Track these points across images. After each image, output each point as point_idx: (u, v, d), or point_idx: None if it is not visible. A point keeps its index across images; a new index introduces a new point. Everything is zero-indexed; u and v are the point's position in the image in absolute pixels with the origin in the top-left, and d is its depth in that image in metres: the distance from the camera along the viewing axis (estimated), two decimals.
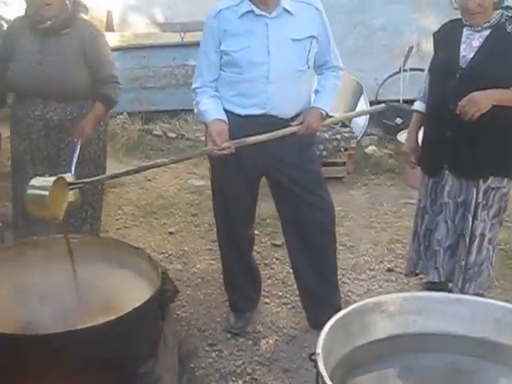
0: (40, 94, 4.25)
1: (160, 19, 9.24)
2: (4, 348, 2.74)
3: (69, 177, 3.47)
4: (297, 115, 3.89)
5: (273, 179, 4.09)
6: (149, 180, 7.08)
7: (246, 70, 3.76)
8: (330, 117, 4.22)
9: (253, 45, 3.73)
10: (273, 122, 3.80)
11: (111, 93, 4.34)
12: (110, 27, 9.28)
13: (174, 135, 8.09)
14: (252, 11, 3.70)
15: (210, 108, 3.82)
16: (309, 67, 3.87)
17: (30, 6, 4.19)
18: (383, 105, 4.57)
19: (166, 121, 8.42)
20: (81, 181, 3.49)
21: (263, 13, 3.71)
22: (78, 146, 4.12)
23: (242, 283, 4.36)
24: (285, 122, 3.84)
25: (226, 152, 3.63)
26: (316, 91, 4.03)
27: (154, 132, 8.16)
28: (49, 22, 4.16)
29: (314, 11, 3.83)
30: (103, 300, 3.22)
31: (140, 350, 3.06)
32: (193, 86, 3.94)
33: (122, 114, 8.33)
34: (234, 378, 3.86)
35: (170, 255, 5.39)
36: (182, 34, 8.70)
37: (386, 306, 2.68)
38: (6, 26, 6.94)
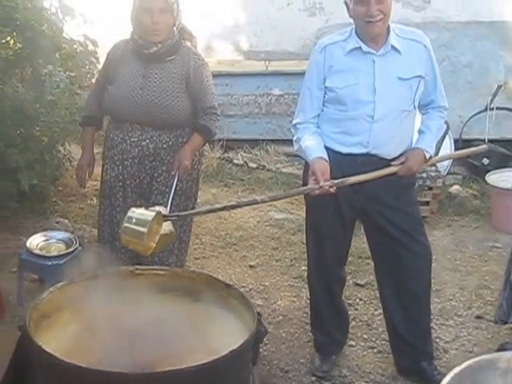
0: (138, 119, 4.13)
1: (245, 47, 9.13)
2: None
3: (163, 210, 3.35)
4: (399, 155, 3.70)
5: (369, 220, 3.90)
6: (228, 211, 6.93)
7: (350, 108, 3.62)
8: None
9: (359, 82, 3.60)
10: (373, 162, 3.65)
11: (211, 125, 4.19)
12: None
13: (254, 165, 7.93)
14: (360, 48, 3.59)
15: (313, 145, 3.67)
16: (414, 107, 3.73)
17: (138, 29, 4.06)
18: (485, 146, 4.36)
19: (247, 150, 8.25)
20: (176, 214, 3.34)
21: (371, 50, 3.58)
22: (176, 179, 3.99)
23: (330, 326, 4.18)
24: (385, 163, 3.68)
25: (326, 192, 3.44)
26: (420, 131, 3.86)
27: (235, 161, 8.01)
28: (155, 48, 4.04)
29: (422, 49, 3.68)
30: (192, 339, 3.02)
31: None
32: (294, 122, 3.82)
33: None
34: None
35: (250, 289, 5.20)
36: (267, 62, 8.59)
37: (499, 363, 2.48)
38: (90, 46, 6.98)
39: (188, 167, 4.05)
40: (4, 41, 6.01)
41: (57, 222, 5.95)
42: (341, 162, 3.62)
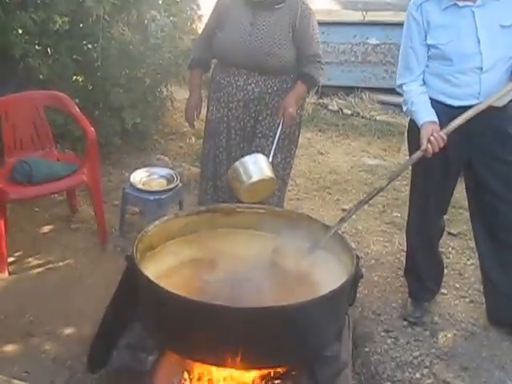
0: (245, 64, 4.02)
1: None
2: (203, 315, 2.53)
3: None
4: (509, 102, 3.50)
5: (472, 171, 3.70)
6: (321, 154, 6.85)
7: (457, 62, 3.40)
8: None
9: (462, 36, 3.38)
10: (484, 111, 3.40)
11: (314, 73, 4.02)
12: None
13: (349, 112, 7.79)
14: (455, 4, 3.37)
15: (421, 109, 3.49)
16: None
17: None
18: None
19: (342, 97, 8.11)
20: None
21: (468, 3, 3.35)
22: (281, 126, 3.87)
23: (425, 273, 4.03)
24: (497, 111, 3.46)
25: (440, 146, 3.31)
26: None
27: (330, 107, 7.90)
28: None
29: None
30: (292, 278, 2.95)
31: (328, 332, 2.78)
32: (399, 82, 3.63)
33: None
34: (410, 370, 3.52)
35: (343, 232, 4.99)
36: (364, 12, 8.37)
37: None
38: None
39: (293, 115, 3.91)
40: None
41: (158, 159, 5.94)
42: (453, 115, 3.40)
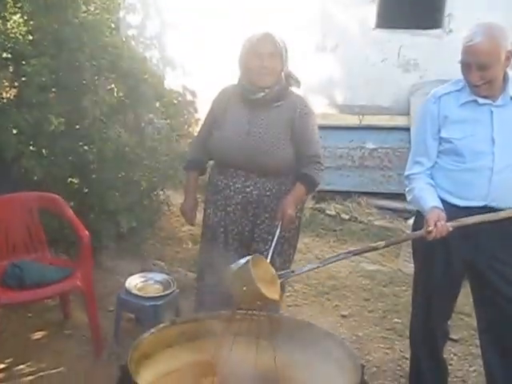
0: (242, 165, 3.98)
1: (339, 101, 9.08)
2: None
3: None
4: None
5: (477, 274, 3.67)
6: (319, 259, 6.79)
7: (468, 160, 3.43)
8: None
9: (477, 133, 3.42)
10: None
11: (314, 174, 3.96)
12: None
13: (346, 217, 7.80)
14: (475, 100, 3.41)
15: (427, 195, 3.50)
16: None
17: (246, 74, 3.96)
18: None
19: (339, 201, 8.14)
20: (288, 271, 3.23)
21: (488, 101, 3.40)
22: (279, 228, 3.77)
23: (430, 380, 3.94)
24: None
25: (442, 234, 3.27)
26: None
27: (327, 212, 7.91)
28: (262, 94, 3.90)
29: None
30: None
31: None
32: (407, 173, 3.66)
33: None
34: None
35: (343, 339, 4.99)
36: (360, 116, 8.50)
37: None
38: (189, 96, 7.01)
39: (292, 217, 3.85)
40: (109, 87, 6.03)
41: (154, 264, 5.92)
42: (457, 216, 3.38)
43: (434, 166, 3.58)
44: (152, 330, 3.11)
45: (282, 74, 3.94)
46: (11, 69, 5.90)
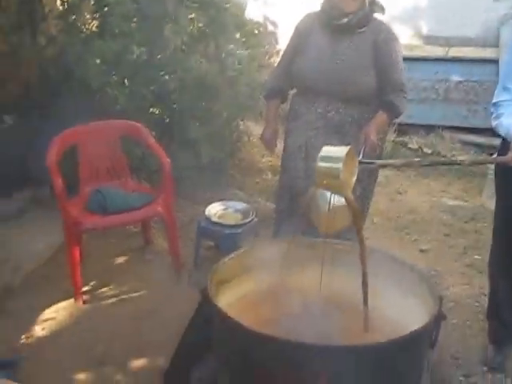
0: (325, 91, 4.00)
1: (424, 31, 8.92)
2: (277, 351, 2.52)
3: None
4: None
5: None
6: (399, 193, 6.83)
7: None
8: None
9: None
10: None
11: (398, 102, 3.97)
12: None
13: (429, 151, 7.71)
14: None
15: None
16: None
17: (327, 1, 3.98)
18: None
19: (422, 135, 8.06)
20: (370, 161, 3.22)
21: None
22: (361, 154, 3.69)
23: (509, 316, 3.93)
24: None
25: None
26: None
27: (409, 145, 7.84)
28: (345, 19, 3.90)
29: None
30: (372, 317, 2.93)
31: (405, 379, 2.74)
32: (495, 100, 3.56)
33: None
34: None
35: (420, 270, 5.03)
36: (446, 48, 8.34)
37: None
38: (270, 27, 7.02)
39: (375, 143, 3.87)
40: (190, 17, 6.08)
41: (233, 194, 6.00)
42: None
43: None
44: (232, 255, 3.19)
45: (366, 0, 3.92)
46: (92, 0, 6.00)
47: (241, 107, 6.44)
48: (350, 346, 2.53)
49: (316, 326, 2.79)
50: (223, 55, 6.37)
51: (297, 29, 4.22)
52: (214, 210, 4.91)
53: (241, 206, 5.06)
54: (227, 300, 2.95)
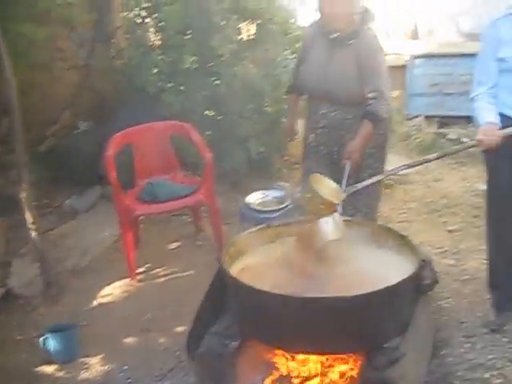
0: (325, 96, 4.41)
1: (466, 29, 9.14)
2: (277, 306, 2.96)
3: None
4: None
5: None
6: (436, 180, 7.10)
7: None
8: None
9: None
10: None
11: (377, 109, 4.23)
12: (415, 36, 9.44)
13: (467, 140, 7.92)
14: None
15: (484, 112, 3.76)
16: None
17: (322, 17, 4.35)
18: None
19: (462, 126, 8.28)
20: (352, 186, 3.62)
21: None
22: (347, 170, 4.07)
23: (505, 284, 4.23)
24: None
25: (493, 142, 3.56)
26: None
27: (448, 136, 8.06)
28: (336, 34, 4.28)
29: None
30: (359, 275, 3.29)
31: (388, 326, 3.11)
32: (472, 95, 3.90)
33: (418, 117, 8.46)
34: (481, 371, 3.77)
35: (445, 251, 5.37)
36: None
37: None
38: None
39: (358, 161, 4.18)
40: (237, 27, 6.58)
41: (279, 186, 6.37)
42: None
43: (496, 85, 3.80)
44: (250, 230, 3.66)
45: (355, 16, 4.26)
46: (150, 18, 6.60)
47: (286, 106, 6.84)
48: (329, 298, 2.97)
49: (314, 284, 3.19)
50: (269, 60, 6.81)
51: (303, 38, 4.71)
52: (255, 197, 5.35)
53: (279, 193, 5.46)
54: (240, 266, 3.40)
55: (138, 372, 3.93)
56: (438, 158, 3.68)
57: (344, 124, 4.43)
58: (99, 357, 4.12)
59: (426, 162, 3.75)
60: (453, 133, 8.19)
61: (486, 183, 4.15)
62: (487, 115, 3.74)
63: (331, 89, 4.34)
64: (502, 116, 3.75)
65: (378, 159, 4.54)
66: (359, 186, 3.69)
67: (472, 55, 8.41)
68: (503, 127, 3.64)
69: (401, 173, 6.02)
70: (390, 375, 2.96)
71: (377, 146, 4.48)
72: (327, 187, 3.48)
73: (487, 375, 3.74)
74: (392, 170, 3.74)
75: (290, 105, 4.92)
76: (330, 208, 3.38)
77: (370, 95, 4.23)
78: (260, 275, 3.30)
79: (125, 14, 6.93)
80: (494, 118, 3.71)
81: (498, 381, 3.69)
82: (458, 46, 8.90)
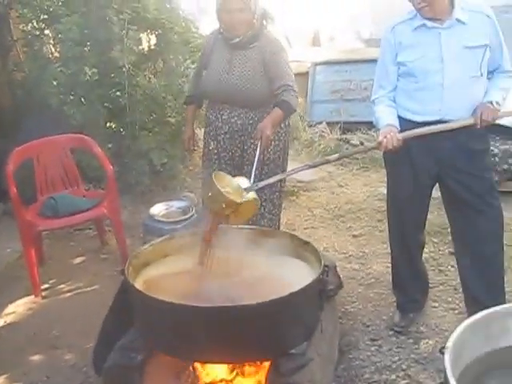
0: (226, 100, 4.51)
1: (366, 35, 9.33)
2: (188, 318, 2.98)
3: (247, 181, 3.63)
4: None
5: (444, 186, 4.02)
6: (340, 186, 7.20)
7: (421, 79, 3.74)
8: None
9: (427, 54, 3.71)
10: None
11: (290, 99, 4.35)
12: (316, 43, 9.57)
13: (371, 145, 8.07)
14: (425, 24, 3.71)
15: (384, 115, 3.83)
16: (482, 74, 3.77)
17: (221, 25, 4.45)
18: None
19: (364, 132, 8.43)
20: (254, 184, 3.62)
21: (436, 25, 3.69)
22: (259, 148, 4.16)
23: (409, 286, 4.35)
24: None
25: (393, 144, 3.62)
26: (487, 90, 3.86)
27: (352, 142, 8.18)
28: (237, 39, 4.39)
29: (485, 19, 3.74)
30: (264, 283, 3.35)
31: (294, 332, 3.15)
32: (372, 98, 3.99)
33: (321, 123, 8.55)
34: (387, 372, 3.84)
35: (350, 256, 5.45)
36: None
37: None
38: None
39: (269, 137, 4.23)
40: (137, 38, 6.52)
41: (184, 196, 6.37)
42: None
43: (395, 89, 3.90)
44: (152, 242, 3.67)
45: (254, 21, 4.37)
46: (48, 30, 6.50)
47: None
48: (233, 306, 3.00)
49: (223, 292, 3.20)
50: (170, 70, 6.80)
51: (203, 44, 4.77)
52: (159, 209, 5.34)
53: (183, 204, 5.48)
54: (143, 278, 3.41)
55: None
56: (339, 159, 3.78)
57: (246, 129, 4.54)
58: (3, 377, 4.00)
59: (328, 162, 3.81)
60: (355, 138, 8.32)
61: (387, 187, 4.26)
62: (387, 118, 3.81)
63: (233, 92, 4.42)
64: (401, 119, 3.83)
65: (281, 164, 4.66)
66: (262, 183, 3.70)
67: (372, 61, 8.71)
68: (402, 130, 3.72)
69: (305, 180, 6.18)
70: (298, 380, 3.01)
71: (279, 139, 4.60)
72: (229, 186, 3.46)
73: (393, 376, 3.82)
74: (294, 169, 3.76)
75: (188, 116, 4.97)
76: (231, 207, 3.36)
77: (279, 90, 4.35)
78: (164, 286, 3.31)
79: (22, 26, 6.78)
80: (394, 121, 3.79)
81: (404, 381, 3.77)
82: (359, 52, 9.09)
